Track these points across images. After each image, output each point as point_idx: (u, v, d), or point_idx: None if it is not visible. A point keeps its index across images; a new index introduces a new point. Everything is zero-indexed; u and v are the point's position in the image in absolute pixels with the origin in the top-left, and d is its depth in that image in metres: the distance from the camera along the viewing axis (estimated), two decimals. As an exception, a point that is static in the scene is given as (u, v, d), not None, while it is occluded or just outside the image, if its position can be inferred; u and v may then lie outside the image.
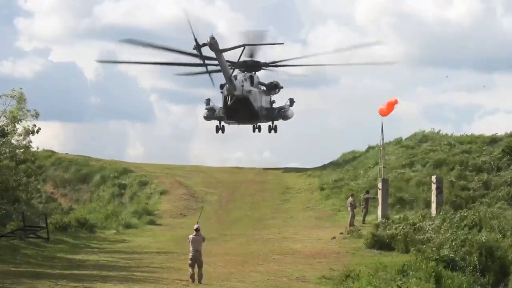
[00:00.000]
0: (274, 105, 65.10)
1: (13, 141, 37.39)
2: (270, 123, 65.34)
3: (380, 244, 35.93)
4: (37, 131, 37.84)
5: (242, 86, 59.77)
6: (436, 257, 29.82)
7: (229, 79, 57.73)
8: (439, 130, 59.78)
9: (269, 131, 65.43)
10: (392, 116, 45.99)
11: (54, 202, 56.53)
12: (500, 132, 56.15)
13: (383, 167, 47.01)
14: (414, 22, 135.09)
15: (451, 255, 30.22)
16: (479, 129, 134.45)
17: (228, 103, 59.60)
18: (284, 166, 67.18)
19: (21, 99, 37.27)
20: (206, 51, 55.29)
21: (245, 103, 60.27)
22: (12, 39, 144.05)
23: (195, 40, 54.31)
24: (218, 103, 62.51)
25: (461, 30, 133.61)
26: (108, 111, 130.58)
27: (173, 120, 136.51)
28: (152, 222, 46.43)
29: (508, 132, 55.32)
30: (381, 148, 47.07)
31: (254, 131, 65.19)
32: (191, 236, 26.12)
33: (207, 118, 64.23)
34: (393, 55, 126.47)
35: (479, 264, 30.03)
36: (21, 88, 37.55)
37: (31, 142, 37.97)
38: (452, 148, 55.07)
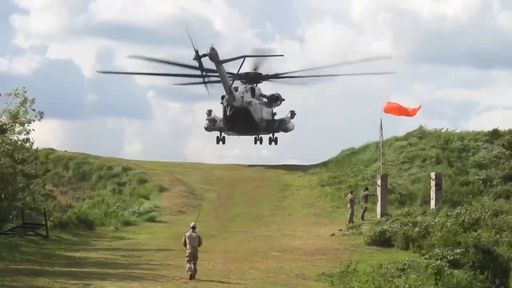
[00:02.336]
0: (276, 117, 65.37)
1: (13, 138, 37.44)
2: (270, 135, 65.70)
3: (380, 240, 35.91)
4: (32, 130, 37.92)
5: (242, 97, 60.12)
6: (436, 254, 29.83)
7: (229, 89, 58.06)
8: (442, 129, 59.75)
9: (270, 143, 66.13)
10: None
11: (53, 200, 56.45)
12: (498, 128, 56.13)
13: (382, 163, 46.98)
14: (411, 18, 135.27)
15: (450, 252, 30.21)
16: (476, 126, 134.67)
17: (228, 113, 59.85)
18: (283, 163, 67.17)
19: (25, 100, 37.47)
20: (206, 62, 55.89)
21: (245, 114, 60.56)
22: (9, 36, 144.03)
23: (196, 51, 54.93)
24: (219, 114, 62.97)
25: (457, 26, 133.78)
26: (106, 108, 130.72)
27: (171, 117, 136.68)
28: (151, 219, 46.36)
29: (508, 128, 55.33)
30: (380, 145, 47.04)
31: (256, 143, 65.76)
32: (188, 233, 26.81)
33: (208, 129, 64.75)
34: (390, 51, 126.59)
35: (478, 261, 30.01)
36: (24, 88, 37.79)
37: (28, 139, 38.01)
38: (452, 144, 55.03)
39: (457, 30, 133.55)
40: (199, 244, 26.79)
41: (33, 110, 37.87)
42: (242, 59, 59.26)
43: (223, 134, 64.69)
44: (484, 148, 53.25)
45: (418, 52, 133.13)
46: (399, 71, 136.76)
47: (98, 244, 37.44)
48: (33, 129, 38.12)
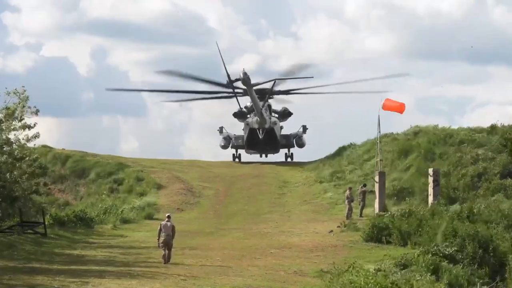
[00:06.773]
0: (283, 131, 65.66)
1: (10, 137, 37.35)
2: (286, 150, 65.85)
3: (377, 237, 35.91)
4: (32, 126, 37.81)
5: (270, 118, 60.92)
6: (433, 250, 29.86)
7: (261, 113, 58.87)
8: (437, 125, 59.84)
9: (285, 159, 66.05)
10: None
11: (51, 198, 56.44)
12: (494, 123, 56.10)
13: (380, 160, 47.01)
14: (406, 14, 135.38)
15: (448, 247, 30.25)
16: (471, 121, 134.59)
17: (260, 136, 60.44)
18: (281, 160, 67.17)
19: (23, 99, 37.39)
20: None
21: (272, 134, 61.46)
22: (3, 34, 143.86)
23: (228, 76, 56.64)
24: (230, 130, 64.60)
25: (452, 22, 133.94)
26: (101, 106, 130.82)
27: (166, 115, 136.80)
28: (149, 217, 46.38)
29: (504, 123, 55.38)
30: (378, 141, 47.04)
31: (261, 156, 65.83)
32: (163, 222, 29.52)
33: (224, 147, 65.07)
34: (385, 47, 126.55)
35: (476, 257, 30.06)
36: (23, 87, 37.73)
37: (27, 136, 37.90)
38: (449, 140, 55.05)
39: (452, 26, 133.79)
40: (173, 232, 29.08)
41: (29, 107, 37.72)
42: (273, 82, 60.27)
43: (239, 151, 64.99)
44: (480, 143, 53.27)
45: (412, 48, 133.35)
46: (394, 68, 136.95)
47: (97, 241, 37.43)
48: (32, 125, 37.85)
